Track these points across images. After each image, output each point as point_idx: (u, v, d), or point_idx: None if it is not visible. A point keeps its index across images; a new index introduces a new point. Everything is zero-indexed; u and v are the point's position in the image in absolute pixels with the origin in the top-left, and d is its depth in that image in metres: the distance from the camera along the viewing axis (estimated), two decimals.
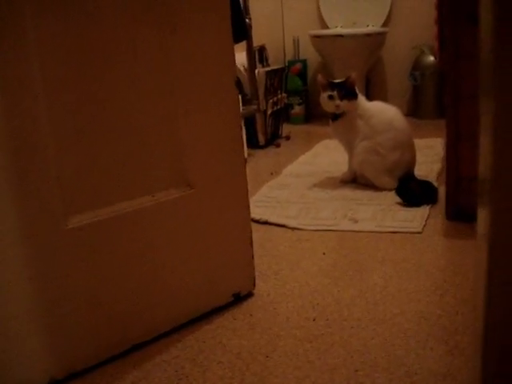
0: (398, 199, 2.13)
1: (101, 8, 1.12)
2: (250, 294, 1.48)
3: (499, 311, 0.49)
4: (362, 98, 2.34)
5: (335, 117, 2.34)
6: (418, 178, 2.27)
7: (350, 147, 2.37)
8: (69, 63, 1.10)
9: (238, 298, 1.45)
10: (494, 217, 0.48)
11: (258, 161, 3.02)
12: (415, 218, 1.94)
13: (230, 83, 1.33)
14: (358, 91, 2.31)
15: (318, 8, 4.02)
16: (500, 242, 0.47)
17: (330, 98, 2.30)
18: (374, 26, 3.81)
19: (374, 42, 3.64)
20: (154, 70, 1.22)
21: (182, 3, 1.22)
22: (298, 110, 3.99)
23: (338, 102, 2.28)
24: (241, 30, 2.74)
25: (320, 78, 2.35)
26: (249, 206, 1.44)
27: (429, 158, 2.67)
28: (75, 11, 1.09)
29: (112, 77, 1.16)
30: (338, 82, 2.33)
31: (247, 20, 2.95)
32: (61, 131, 1.10)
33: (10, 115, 1.02)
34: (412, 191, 2.12)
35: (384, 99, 3.97)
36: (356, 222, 1.97)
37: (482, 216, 0.54)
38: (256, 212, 2.10)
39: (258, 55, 3.50)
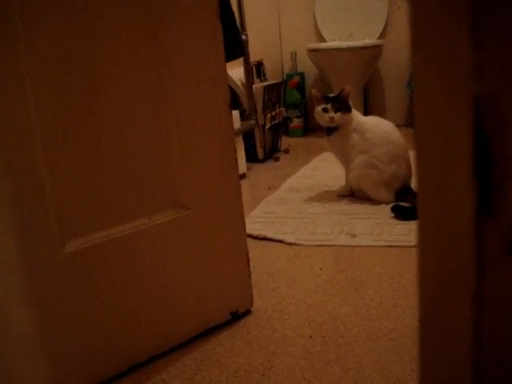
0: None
1: (95, 37, 1.15)
2: (247, 312, 1.50)
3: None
4: (356, 112, 2.37)
5: (330, 131, 2.37)
6: (415, 190, 2.29)
7: (346, 161, 2.40)
8: (64, 93, 1.12)
9: (236, 316, 1.47)
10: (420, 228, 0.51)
11: (257, 175, 3.04)
12: (412, 231, 1.96)
13: (223, 106, 1.35)
14: (351, 105, 2.34)
15: (315, 21, 4.06)
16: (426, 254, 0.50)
17: (324, 110, 2.33)
18: (370, 39, 3.84)
19: (371, 54, 3.67)
20: (148, 95, 1.25)
21: (173, 33, 1.24)
22: (296, 122, 4.02)
23: (332, 114, 2.31)
24: (237, 47, 2.78)
25: (314, 91, 2.39)
26: (245, 225, 1.46)
27: None
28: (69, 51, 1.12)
29: (106, 103, 1.19)
30: (332, 96, 2.36)
31: (243, 36, 2.98)
32: (57, 158, 1.13)
33: (8, 146, 1.04)
34: (405, 208, 2.14)
35: (382, 110, 4.01)
36: (353, 236, 1.99)
37: None
38: (254, 228, 2.12)
39: (255, 70, 3.54)
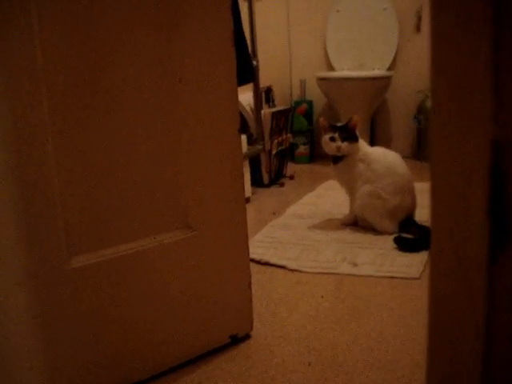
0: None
1: (109, 57, 1.17)
2: (247, 336, 1.50)
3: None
4: (363, 143, 2.39)
5: (336, 159, 2.39)
6: (419, 222, 2.30)
7: (351, 190, 2.41)
8: (76, 106, 1.14)
9: (236, 340, 1.47)
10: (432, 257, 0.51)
11: (262, 200, 3.05)
12: (414, 263, 1.97)
13: (233, 130, 1.37)
14: (358, 135, 2.36)
15: (325, 50, 4.11)
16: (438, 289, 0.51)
17: (332, 139, 2.35)
18: (379, 69, 3.88)
19: (380, 85, 3.70)
20: (161, 116, 1.27)
21: (189, 57, 1.27)
22: (302, 149, 4.04)
23: (339, 143, 2.33)
24: (248, 72, 2.81)
25: (322, 120, 2.41)
26: (248, 249, 1.47)
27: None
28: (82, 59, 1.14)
29: (119, 121, 1.21)
30: (340, 125, 2.38)
31: (254, 62, 3.02)
32: (67, 174, 1.14)
33: (20, 158, 1.06)
34: (408, 240, 2.15)
35: (388, 141, 4.03)
36: (355, 265, 1.99)
37: None
38: (257, 252, 2.13)
39: (264, 96, 3.57)
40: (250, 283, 1.48)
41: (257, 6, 3.14)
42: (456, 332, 0.47)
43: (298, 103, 4.12)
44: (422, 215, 2.40)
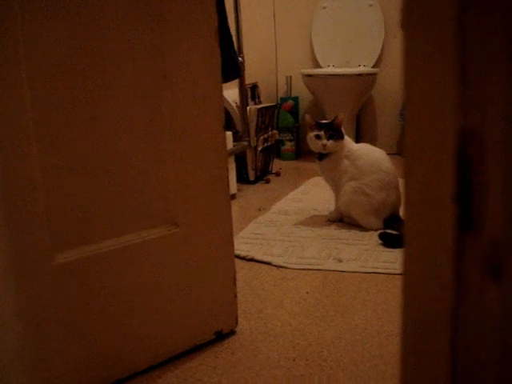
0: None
1: (95, 52, 1.17)
2: (232, 332, 1.50)
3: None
4: (348, 139, 2.40)
5: (322, 156, 2.39)
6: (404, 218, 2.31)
7: (336, 187, 2.42)
8: (60, 101, 1.14)
9: (220, 336, 1.47)
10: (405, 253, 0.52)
11: (247, 196, 3.06)
12: (398, 259, 1.98)
13: (218, 127, 1.37)
14: (344, 132, 2.37)
15: (311, 47, 4.11)
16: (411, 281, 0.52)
17: (317, 137, 2.35)
18: (365, 66, 3.89)
19: (365, 82, 3.71)
20: (146, 112, 1.26)
21: (173, 53, 1.26)
22: (288, 146, 4.04)
23: (324, 141, 2.33)
24: (233, 69, 2.81)
25: (308, 118, 2.41)
26: (233, 246, 1.47)
27: None
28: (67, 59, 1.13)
29: (105, 117, 1.20)
30: (325, 123, 2.38)
31: (240, 58, 3.01)
32: (51, 169, 1.13)
33: (3, 155, 1.05)
34: (392, 236, 2.16)
35: (374, 137, 4.05)
36: (341, 261, 2.00)
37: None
38: (242, 249, 2.13)
39: (250, 92, 3.57)
40: (234, 279, 1.48)
41: (242, 2, 3.14)
42: (427, 314, 0.48)
43: (283, 100, 4.12)
44: None
